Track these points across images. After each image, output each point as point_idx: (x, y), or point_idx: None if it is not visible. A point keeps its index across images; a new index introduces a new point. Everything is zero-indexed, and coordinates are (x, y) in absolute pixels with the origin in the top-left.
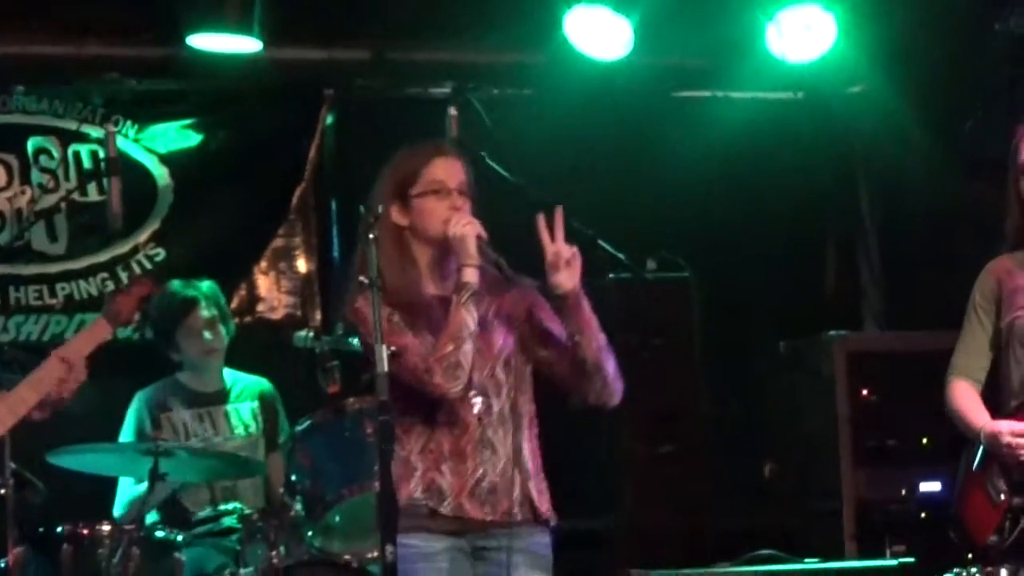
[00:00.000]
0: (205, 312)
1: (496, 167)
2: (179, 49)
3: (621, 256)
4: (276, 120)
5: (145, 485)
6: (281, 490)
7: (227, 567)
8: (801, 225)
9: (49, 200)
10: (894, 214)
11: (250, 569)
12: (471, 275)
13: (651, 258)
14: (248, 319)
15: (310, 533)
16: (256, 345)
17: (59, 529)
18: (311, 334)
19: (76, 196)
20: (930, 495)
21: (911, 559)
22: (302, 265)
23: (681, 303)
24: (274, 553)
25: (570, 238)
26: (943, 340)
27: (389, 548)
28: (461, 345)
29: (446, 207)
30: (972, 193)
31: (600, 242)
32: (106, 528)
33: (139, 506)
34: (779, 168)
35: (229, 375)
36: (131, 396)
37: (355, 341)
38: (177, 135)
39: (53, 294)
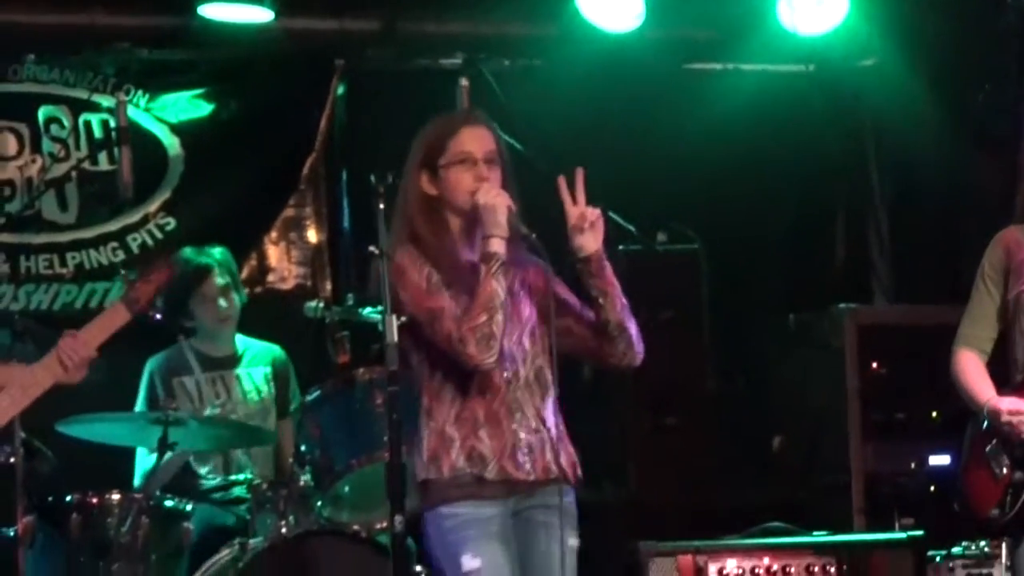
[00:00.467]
0: (219, 279)
1: (507, 138)
2: (190, 19)
3: (631, 228)
4: (287, 90)
5: (167, 455)
6: (291, 459)
7: (236, 537)
8: (811, 198)
9: (60, 169)
10: (904, 187)
11: (259, 539)
12: (499, 245)
13: (661, 230)
14: (258, 289)
15: (319, 503)
16: (266, 315)
17: (68, 498)
18: (321, 304)
19: (87, 165)
20: (939, 468)
21: (920, 532)
22: (312, 235)
23: (690, 275)
24: (283, 523)
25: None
26: (953, 313)
27: (398, 518)
28: (494, 315)
29: (472, 177)
30: (982, 166)
31: (610, 214)
32: (115, 497)
33: (154, 477)
34: (789, 141)
35: (241, 341)
36: (141, 364)
37: (366, 311)
38: (188, 105)
39: (63, 263)
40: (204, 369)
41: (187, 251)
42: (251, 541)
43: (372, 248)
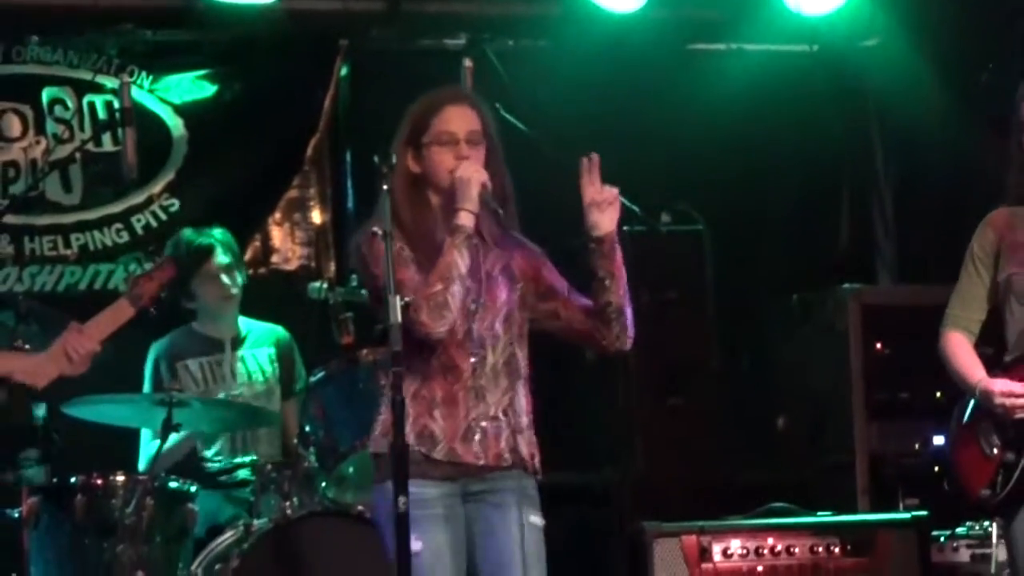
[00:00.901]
0: (222, 258)
1: (510, 119)
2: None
3: (635, 209)
4: (291, 71)
5: (172, 438)
6: (295, 440)
7: (241, 518)
8: (815, 178)
9: (64, 150)
10: (908, 168)
11: (264, 520)
12: (466, 218)
13: (665, 211)
14: (262, 270)
15: (323, 484)
16: (270, 296)
17: (73, 480)
18: (325, 285)
19: (91, 147)
20: (943, 449)
21: (924, 512)
22: (316, 216)
23: (694, 256)
24: (287, 504)
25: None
26: None
27: (402, 499)
28: (449, 286)
29: (452, 157)
30: (986, 146)
31: None
32: (120, 479)
33: (160, 459)
34: (793, 121)
35: (243, 323)
36: (145, 346)
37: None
38: (192, 86)
39: (68, 245)
40: (208, 352)
41: (187, 232)
42: (255, 522)
43: (376, 229)
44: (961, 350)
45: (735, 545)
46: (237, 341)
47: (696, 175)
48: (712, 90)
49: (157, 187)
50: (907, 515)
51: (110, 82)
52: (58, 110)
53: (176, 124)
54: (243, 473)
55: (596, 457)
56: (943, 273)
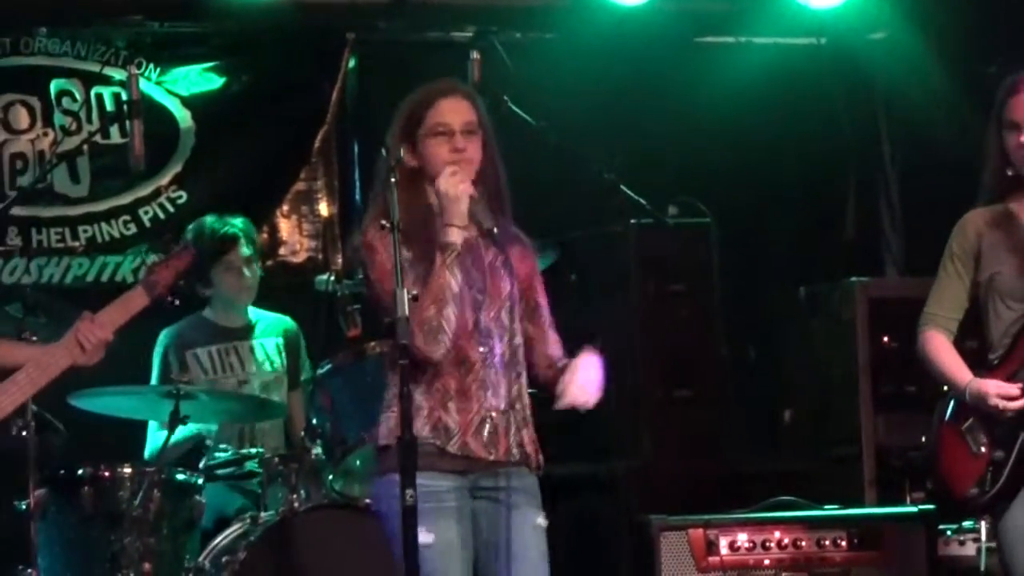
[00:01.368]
0: (245, 249)
1: (518, 111)
2: None
3: (642, 201)
4: (298, 63)
5: (181, 430)
6: (302, 432)
7: (248, 510)
8: (822, 171)
9: (71, 142)
10: (915, 160)
11: (271, 512)
12: (456, 235)
13: (672, 204)
14: (269, 262)
15: (330, 477)
16: (277, 288)
17: (80, 471)
18: (332, 277)
19: (98, 138)
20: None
21: (931, 506)
22: (324, 208)
23: (701, 248)
24: (294, 496)
25: (591, 183)
26: None
27: (409, 492)
28: (443, 308)
29: (448, 149)
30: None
31: (621, 187)
32: (127, 470)
33: (167, 451)
34: (801, 114)
35: (253, 312)
36: (153, 335)
37: None
38: (199, 78)
39: (75, 236)
40: (218, 340)
41: (211, 220)
42: (262, 515)
43: (383, 222)
44: (944, 350)
45: (742, 538)
46: (247, 331)
47: (703, 168)
48: (720, 83)
49: (165, 179)
50: (914, 508)
51: (118, 74)
52: (66, 102)
53: (184, 116)
54: (250, 465)
55: (602, 449)
56: None
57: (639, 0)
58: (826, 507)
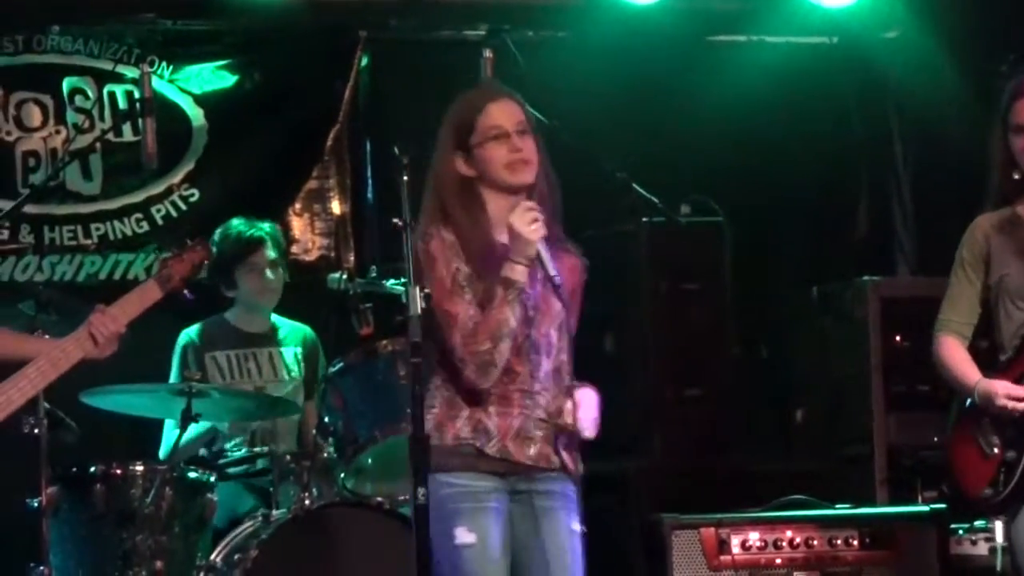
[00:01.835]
0: (270, 252)
1: (530, 110)
2: None
3: (654, 200)
4: (311, 61)
5: (193, 428)
6: (314, 432)
7: (259, 508)
8: (834, 170)
9: (84, 140)
10: (927, 159)
11: (282, 510)
12: (521, 274)
13: (684, 202)
14: None
15: (342, 475)
16: (289, 287)
17: (92, 469)
18: (344, 276)
19: (111, 136)
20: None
21: (943, 506)
22: (336, 207)
23: (714, 247)
24: (306, 495)
25: (604, 181)
26: None
27: (421, 490)
28: (498, 344)
29: (507, 150)
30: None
31: (634, 186)
32: (139, 468)
33: (181, 450)
34: (813, 113)
35: (274, 319)
36: (168, 335)
37: (388, 283)
38: (212, 76)
39: (87, 234)
40: (239, 345)
41: (237, 222)
42: (274, 513)
43: (396, 220)
44: (955, 353)
45: (753, 537)
46: (269, 337)
47: (716, 167)
48: (732, 82)
49: (177, 177)
50: (926, 508)
51: (130, 72)
52: (78, 100)
53: (196, 114)
54: (262, 463)
55: (614, 447)
56: None
57: None
58: (838, 506)
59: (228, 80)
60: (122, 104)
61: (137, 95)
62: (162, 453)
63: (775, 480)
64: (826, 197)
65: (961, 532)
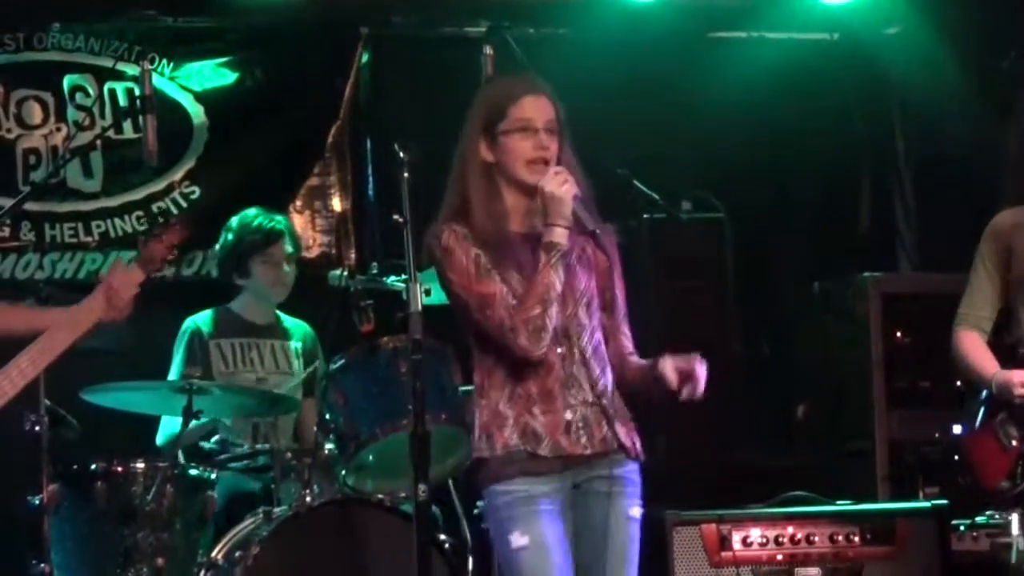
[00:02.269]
0: (288, 246)
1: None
2: None
3: (656, 196)
4: (311, 58)
5: (194, 423)
6: (315, 428)
7: (260, 505)
8: (836, 166)
9: (85, 137)
10: (929, 155)
11: (283, 507)
12: (561, 236)
13: (686, 199)
14: None
15: (343, 472)
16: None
17: (93, 466)
18: (345, 273)
19: (111, 134)
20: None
21: (944, 501)
22: (337, 204)
23: (715, 243)
24: (307, 492)
25: (605, 178)
26: None
27: (421, 487)
28: (548, 307)
29: (531, 146)
30: (1007, 134)
31: (635, 182)
32: (140, 465)
33: (178, 441)
34: (814, 109)
35: (279, 313)
36: (167, 332)
37: (389, 279)
38: (212, 73)
39: (88, 232)
40: (244, 335)
41: (254, 212)
42: (275, 510)
43: (397, 217)
44: (974, 346)
45: (755, 534)
46: (272, 330)
47: (717, 163)
48: (733, 78)
49: (178, 174)
50: (927, 504)
51: (131, 69)
52: (79, 97)
53: (197, 111)
54: (263, 459)
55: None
56: (964, 261)
57: None
58: (839, 502)
59: (229, 77)
60: (123, 101)
61: (138, 92)
62: (159, 440)
63: (776, 476)
64: (828, 193)
65: (962, 528)
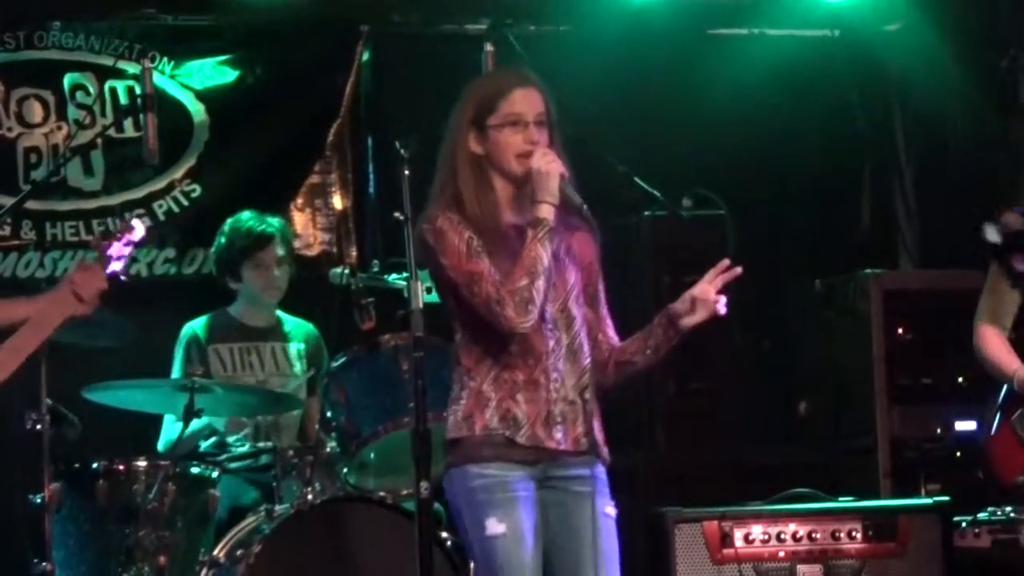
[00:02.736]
0: (279, 249)
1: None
2: None
3: (656, 193)
4: (312, 56)
5: (195, 423)
6: (317, 427)
7: (262, 503)
8: (837, 163)
9: (85, 136)
10: (930, 152)
11: (285, 505)
12: (547, 211)
13: (686, 196)
14: None
15: (345, 470)
16: (292, 282)
17: (95, 465)
18: (346, 271)
19: (112, 132)
20: (965, 434)
21: (946, 498)
22: (338, 202)
23: (716, 241)
24: (309, 490)
25: (605, 175)
26: (979, 278)
27: (424, 484)
28: (535, 280)
29: (522, 140)
30: (1008, 131)
31: (636, 179)
32: (142, 464)
33: (181, 444)
34: (815, 106)
35: (280, 314)
36: (169, 331)
37: (391, 277)
38: (213, 71)
39: (89, 230)
40: (243, 339)
41: (247, 215)
42: (277, 508)
43: (398, 214)
44: (994, 342)
45: (757, 531)
46: (272, 332)
47: (718, 160)
48: (734, 75)
49: (178, 173)
50: (929, 500)
51: (131, 67)
52: (80, 96)
53: (197, 109)
54: (265, 459)
55: (617, 440)
56: (965, 257)
57: None
58: (841, 499)
59: (229, 75)
60: (123, 100)
61: (138, 91)
62: (160, 446)
63: (778, 473)
64: (828, 190)
65: (965, 524)
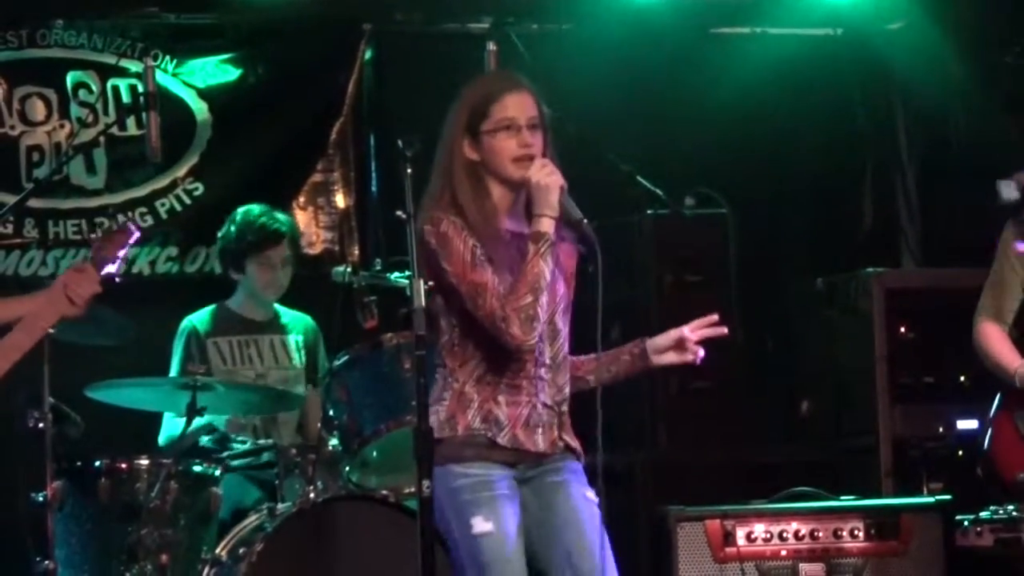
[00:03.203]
0: (288, 250)
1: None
2: None
3: (659, 192)
4: (315, 54)
5: (197, 420)
6: (318, 425)
7: (264, 501)
8: (839, 162)
9: (88, 134)
10: (932, 151)
11: (287, 504)
12: (548, 225)
13: (689, 194)
14: None
15: (347, 468)
16: (294, 280)
17: (97, 463)
18: (349, 269)
19: (115, 130)
20: (967, 433)
21: (948, 497)
22: (340, 200)
23: (718, 239)
24: (311, 488)
25: (608, 174)
26: (981, 277)
27: (426, 483)
28: (538, 296)
29: (516, 144)
30: (1011, 129)
31: (638, 178)
32: (144, 462)
33: (182, 441)
34: (817, 105)
35: (278, 307)
36: (171, 329)
37: (393, 276)
38: (216, 69)
39: (92, 228)
40: (242, 332)
41: (259, 210)
42: (279, 506)
43: (400, 213)
44: (996, 339)
45: (759, 529)
46: (270, 325)
47: (720, 159)
48: (736, 74)
49: (181, 171)
50: (931, 499)
51: (134, 66)
52: (82, 94)
53: (200, 108)
54: (267, 456)
55: (619, 439)
56: (967, 256)
57: None
58: (843, 498)
59: (232, 74)
60: (126, 98)
61: (141, 89)
62: (161, 440)
63: (780, 472)
64: (830, 189)
65: (967, 523)
